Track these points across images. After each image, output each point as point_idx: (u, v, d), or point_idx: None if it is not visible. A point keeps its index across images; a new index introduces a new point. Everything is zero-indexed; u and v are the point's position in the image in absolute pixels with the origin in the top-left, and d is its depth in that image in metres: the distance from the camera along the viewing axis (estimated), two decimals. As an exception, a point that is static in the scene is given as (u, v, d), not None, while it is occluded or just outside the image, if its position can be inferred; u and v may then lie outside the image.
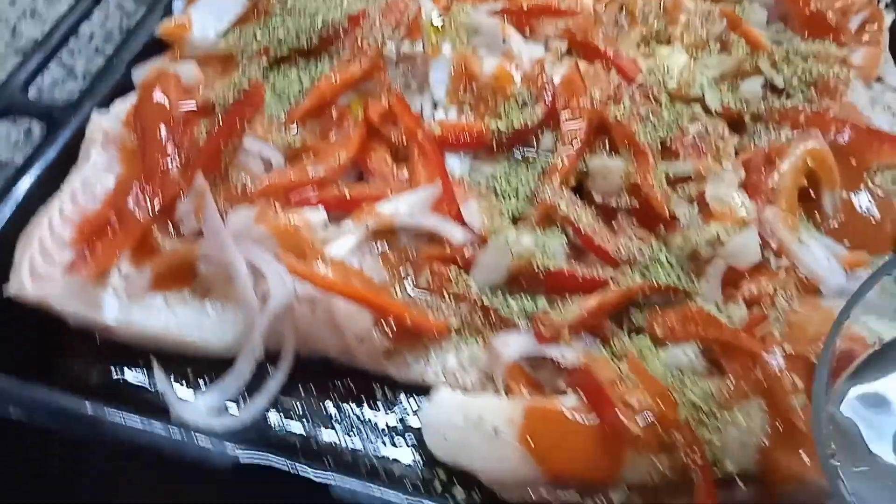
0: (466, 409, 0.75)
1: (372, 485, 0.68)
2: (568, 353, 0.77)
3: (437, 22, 0.99)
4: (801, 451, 0.71)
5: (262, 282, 0.79)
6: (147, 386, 0.81)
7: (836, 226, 0.87)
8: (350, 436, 0.78)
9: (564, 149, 0.88)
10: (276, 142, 0.88)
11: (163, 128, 0.84)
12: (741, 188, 0.86)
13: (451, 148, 0.90)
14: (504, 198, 0.88)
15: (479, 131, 0.89)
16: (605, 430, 0.72)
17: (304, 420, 0.79)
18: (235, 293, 0.79)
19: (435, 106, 0.96)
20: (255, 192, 0.82)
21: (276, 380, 0.80)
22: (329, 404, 0.81)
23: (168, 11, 1.07)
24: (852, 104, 0.92)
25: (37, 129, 1.03)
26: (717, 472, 0.72)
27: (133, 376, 0.81)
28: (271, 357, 0.81)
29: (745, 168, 0.88)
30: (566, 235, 0.85)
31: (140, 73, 0.97)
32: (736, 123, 0.94)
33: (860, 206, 0.87)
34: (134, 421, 0.70)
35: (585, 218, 0.84)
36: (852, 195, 0.88)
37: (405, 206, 0.83)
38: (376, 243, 0.84)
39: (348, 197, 0.84)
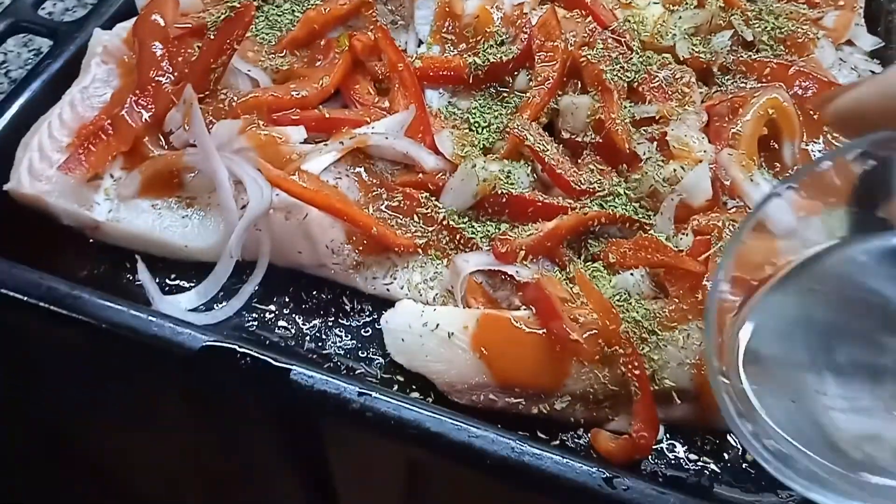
0: (426, 317, 0.80)
1: (329, 374, 0.73)
2: (523, 271, 0.82)
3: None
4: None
5: (243, 192, 0.84)
6: (130, 283, 0.86)
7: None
8: (316, 340, 0.84)
9: (537, 87, 0.93)
10: (265, 65, 0.93)
11: (158, 45, 0.90)
12: (702, 132, 0.91)
13: (430, 81, 0.95)
14: (476, 130, 0.92)
15: (456, 66, 0.94)
16: (551, 341, 0.77)
17: (275, 324, 0.85)
18: (217, 200, 0.85)
19: (419, 44, 1.01)
20: (239, 105, 0.87)
21: (252, 283, 0.85)
22: (299, 311, 0.86)
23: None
24: (818, 61, 0.96)
25: (46, 49, 1.09)
26: (655, 387, 0.77)
27: (117, 273, 0.87)
28: (248, 266, 0.86)
29: (708, 114, 0.93)
30: (532, 168, 0.90)
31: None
32: (704, 76, 0.99)
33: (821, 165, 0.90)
34: (114, 302, 0.76)
35: (551, 150, 0.89)
36: (810, 146, 0.93)
37: (381, 127, 0.88)
38: (353, 167, 0.90)
39: (328, 117, 0.89)
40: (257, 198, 0.82)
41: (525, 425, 0.77)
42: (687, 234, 0.82)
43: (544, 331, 0.77)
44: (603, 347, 0.76)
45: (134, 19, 0.97)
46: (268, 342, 0.83)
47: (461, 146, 0.90)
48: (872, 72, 1.02)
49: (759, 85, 0.95)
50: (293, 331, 0.84)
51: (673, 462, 0.77)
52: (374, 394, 0.72)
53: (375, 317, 0.85)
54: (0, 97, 0.96)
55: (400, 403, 0.71)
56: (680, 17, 1.00)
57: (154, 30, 0.91)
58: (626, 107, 0.91)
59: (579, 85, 0.95)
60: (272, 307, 0.86)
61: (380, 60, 0.96)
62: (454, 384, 0.78)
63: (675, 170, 0.86)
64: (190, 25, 0.92)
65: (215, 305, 0.84)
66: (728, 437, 0.79)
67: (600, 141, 0.90)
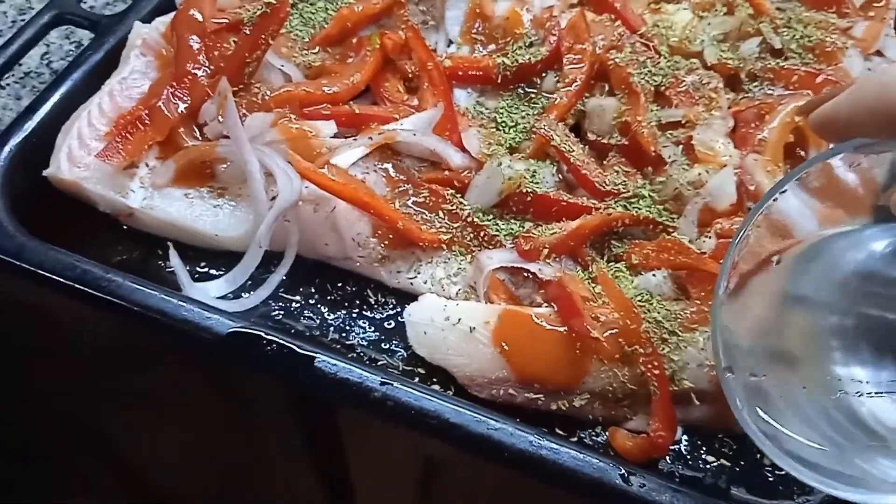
0: (448, 311, 0.81)
1: (353, 363, 0.75)
2: (546, 269, 0.83)
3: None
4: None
5: (274, 184, 0.86)
6: (161, 270, 0.88)
7: (818, 185, 0.91)
8: (340, 331, 0.85)
9: (564, 89, 0.94)
10: (298, 61, 0.96)
11: (195, 39, 0.92)
12: (728, 137, 0.91)
13: (459, 81, 0.97)
14: (503, 129, 0.94)
15: (485, 66, 0.96)
16: (572, 339, 0.77)
17: (300, 314, 0.86)
18: (248, 191, 0.87)
19: (449, 44, 1.03)
20: (272, 98, 0.89)
21: (279, 273, 0.87)
22: (324, 302, 0.87)
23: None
24: (846, 70, 0.96)
25: (86, 41, 1.12)
26: (674, 387, 0.77)
27: (149, 260, 0.89)
28: (276, 256, 0.88)
29: (735, 120, 0.93)
30: (558, 168, 0.91)
31: (181, -5, 1.05)
32: (732, 82, 0.99)
33: (837, 169, 0.91)
34: (146, 286, 0.78)
35: (577, 151, 0.90)
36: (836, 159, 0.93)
37: (409, 124, 0.89)
38: (382, 163, 0.91)
39: (358, 112, 0.90)
40: (287, 189, 0.84)
41: (544, 421, 0.78)
42: (710, 237, 0.82)
43: (565, 328, 0.78)
44: (623, 346, 0.77)
45: (173, 14, 0.99)
46: (293, 331, 0.84)
47: (488, 145, 0.91)
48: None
49: (787, 92, 0.95)
50: (318, 321, 0.86)
51: (690, 463, 0.78)
52: (395, 383, 0.73)
53: (399, 310, 0.86)
54: (42, 87, 0.99)
55: (421, 394, 0.72)
56: (709, 24, 1.01)
57: (192, 24, 0.93)
58: (652, 110, 0.92)
59: (606, 88, 0.96)
60: (298, 297, 0.87)
61: (410, 59, 0.98)
62: (474, 378, 0.79)
63: (699, 173, 0.87)
64: (227, 21, 0.94)
65: (243, 294, 0.86)
66: (746, 441, 0.79)
67: (626, 143, 0.91)
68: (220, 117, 0.88)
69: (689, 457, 0.78)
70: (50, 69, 1.14)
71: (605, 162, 0.92)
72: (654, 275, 0.82)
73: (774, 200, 0.59)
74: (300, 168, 0.83)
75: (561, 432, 0.79)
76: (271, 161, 0.85)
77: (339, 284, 0.89)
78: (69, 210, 0.90)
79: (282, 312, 0.86)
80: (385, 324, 0.86)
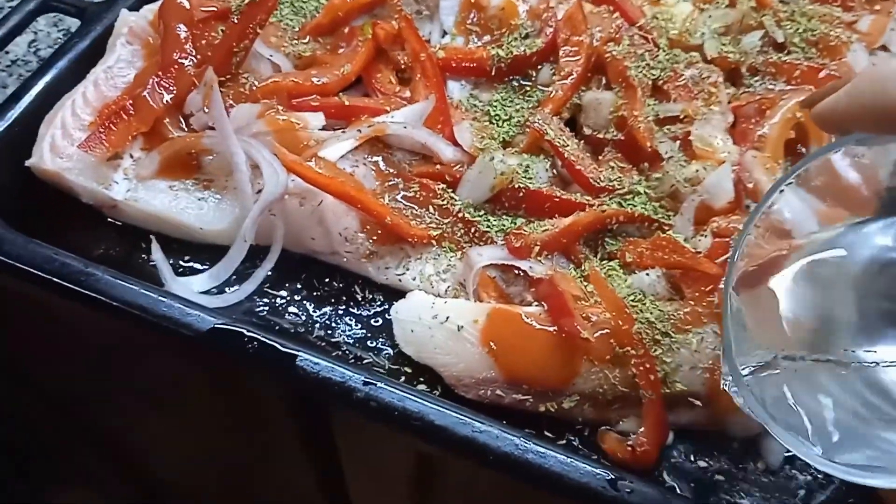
0: (436, 309, 0.79)
1: (335, 362, 0.73)
2: (537, 267, 0.81)
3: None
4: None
5: (260, 176, 0.84)
6: (145, 263, 0.86)
7: (819, 183, 0.89)
8: (326, 328, 0.83)
9: (560, 82, 0.92)
10: (288, 51, 0.93)
11: (182, 27, 0.90)
12: (727, 133, 0.89)
13: (453, 72, 0.95)
14: (497, 123, 0.91)
15: (479, 57, 0.93)
16: (562, 339, 0.75)
17: (285, 310, 0.84)
18: (233, 184, 0.85)
19: (443, 34, 1.00)
20: (259, 89, 0.87)
21: (264, 268, 0.85)
22: (311, 298, 0.85)
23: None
24: (850, 65, 0.94)
25: (75, 29, 1.10)
26: (666, 390, 0.75)
27: (133, 252, 0.87)
28: (262, 251, 0.86)
29: (735, 115, 0.91)
30: (552, 163, 0.89)
31: (170, -17, 1.03)
32: (733, 77, 0.97)
33: (840, 168, 0.88)
34: (126, 281, 0.76)
35: (571, 146, 0.88)
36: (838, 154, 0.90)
37: (400, 116, 0.87)
38: (371, 156, 0.89)
39: (347, 104, 0.88)
40: (273, 182, 0.82)
41: (532, 423, 0.76)
42: (706, 236, 0.80)
43: (555, 328, 0.76)
44: (614, 347, 0.75)
45: (160, 1, 0.97)
46: (278, 328, 0.82)
47: (480, 138, 0.89)
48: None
49: (789, 87, 0.93)
50: (303, 317, 0.84)
51: (681, 466, 0.76)
52: (379, 383, 0.71)
53: (386, 307, 0.84)
54: (27, 75, 0.98)
55: (405, 394, 0.70)
56: (710, 16, 0.98)
57: (179, 12, 0.91)
58: (649, 104, 0.90)
59: (603, 81, 0.94)
60: (284, 293, 0.85)
61: (403, 50, 0.96)
62: (461, 378, 0.77)
63: (697, 170, 0.85)
64: (215, 9, 0.92)
65: (227, 289, 0.84)
66: (738, 444, 0.77)
67: (622, 138, 0.88)
68: (205, 108, 0.86)
69: (679, 460, 0.77)
70: (38, 57, 1.12)
71: (600, 157, 0.90)
72: (647, 274, 0.80)
73: (781, 192, 0.57)
74: (286, 160, 0.81)
75: (549, 434, 0.77)
76: (257, 153, 0.83)
77: (327, 280, 0.87)
78: (53, 201, 0.88)
79: (267, 308, 0.84)
80: (372, 321, 0.84)
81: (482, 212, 0.87)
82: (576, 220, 0.82)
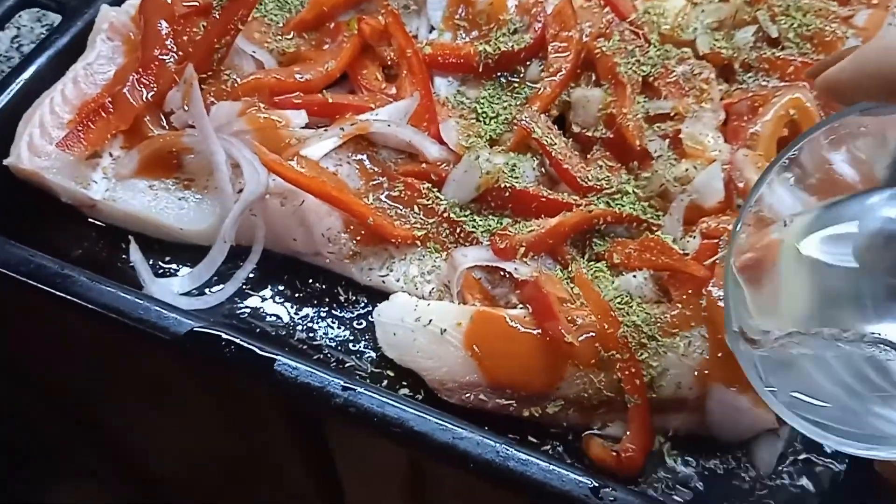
0: (419, 312, 0.77)
1: (314, 366, 0.72)
2: (522, 268, 0.79)
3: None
4: (737, 382, 0.72)
5: (241, 176, 0.83)
6: (125, 264, 0.85)
7: (814, 182, 0.87)
8: (308, 330, 0.82)
9: (549, 78, 0.90)
10: (272, 47, 0.92)
11: (163, 23, 0.88)
12: (718, 130, 0.87)
13: (440, 68, 0.93)
14: (484, 120, 0.90)
15: (466, 53, 0.92)
16: (546, 343, 0.74)
17: (267, 312, 0.83)
18: (214, 183, 0.83)
19: (431, 30, 0.99)
20: (240, 86, 0.86)
21: (245, 269, 0.84)
22: (292, 300, 0.84)
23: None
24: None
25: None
26: (652, 394, 0.74)
27: (113, 253, 0.86)
28: (245, 251, 0.85)
29: (727, 112, 0.89)
30: (539, 162, 0.87)
31: (153, -22, 1.01)
32: (725, 73, 0.94)
33: (836, 164, 0.86)
34: (103, 283, 0.75)
35: (559, 144, 0.86)
36: (832, 152, 0.88)
37: (384, 114, 0.85)
38: (356, 155, 0.87)
39: (331, 102, 0.87)
40: (253, 182, 0.80)
41: (516, 428, 0.75)
42: (695, 237, 0.78)
43: (539, 331, 0.75)
44: (599, 351, 0.73)
45: (143, -2, 0.96)
46: (258, 330, 0.81)
47: (466, 136, 0.87)
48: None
49: (782, 84, 0.91)
50: (285, 319, 0.82)
51: (667, 472, 0.74)
52: (358, 388, 0.70)
53: (370, 309, 0.83)
54: (7, 71, 0.96)
55: (384, 400, 0.69)
56: (703, 11, 0.96)
57: (160, 7, 0.90)
58: (639, 102, 0.88)
59: (593, 77, 0.92)
60: (265, 294, 0.84)
61: (389, 46, 0.94)
62: (444, 382, 0.76)
63: (687, 169, 0.83)
64: (196, 4, 0.91)
65: (208, 290, 0.83)
66: (727, 449, 0.76)
67: (611, 136, 0.87)
68: (185, 106, 0.84)
69: (666, 465, 0.75)
70: (20, 53, 1.11)
71: (588, 156, 0.88)
72: (635, 276, 0.78)
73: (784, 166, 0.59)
74: (265, 160, 0.79)
75: (534, 440, 0.75)
76: (238, 152, 0.82)
77: (309, 281, 0.85)
78: (32, 200, 0.87)
79: (248, 310, 0.83)
80: (355, 323, 0.83)
81: (468, 212, 0.85)
82: (562, 221, 0.81)
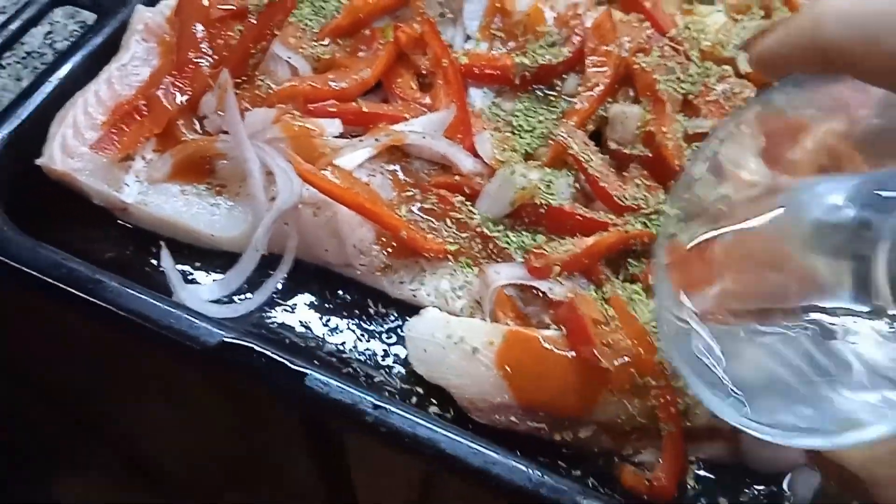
0: (451, 328, 0.76)
1: (345, 382, 0.71)
2: (556, 288, 0.78)
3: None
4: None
5: (274, 183, 0.82)
6: (155, 268, 0.84)
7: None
8: (337, 342, 0.81)
9: (586, 93, 0.88)
10: (307, 53, 0.91)
11: (199, 26, 0.88)
12: (758, 155, 0.85)
13: (475, 79, 0.91)
14: (519, 134, 0.88)
15: (503, 65, 0.90)
16: (581, 366, 0.73)
17: (296, 322, 0.82)
18: (247, 190, 0.83)
19: (467, 39, 0.97)
20: (276, 93, 0.85)
21: (275, 278, 0.83)
22: (323, 311, 0.83)
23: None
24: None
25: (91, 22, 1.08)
26: (687, 423, 0.73)
27: (143, 257, 0.85)
28: (276, 259, 0.84)
29: (765, 136, 0.87)
30: (575, 178, 0.86)
31: (189, -22, 1.00)
32: (767, 92, 0.93)
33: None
34: (134, 290, 0.74)
35: (596, 161, 0.84)
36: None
37: (419, 125, 0.84)
38: (389, 165, 0.86)
39: (365, 111, 0.86)
40: (287, 191, 0.79)
41: (547, 450, 0.74)
42: (734, 262, 0.77)
43: (574, 354, 0.73)
44: (634, 377, 0.72)
45: (178, -1, 0.95)
46: (288, 341, 0.80)
47: (502, 150, 0.86)
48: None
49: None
50: (315, 331, 0.82)
51: (702, 501, 0.73)
52: (390, 407, 0.69)
53: (400, 323, 0.82)
54: (44, 68, 0.95)
55: (416, 420, 0.68)
56: (744, 27, 0.94)
57: (197, 10, 0.89)
58: (679, 120, 0.86)
59: (631, 93, 0.90)
60: (295, 304, 0.83)
61: (424, 54, 0.93)
62: (475, 402, 0.75)
63: (726, 192, 0.81)
64: (233, 7, 0.90)
65: (237, 298, 0.82)
66: (763, 480, 0.75)
67: (649, 155, 0.85)
68: (219, 111, 0.84)
69: (699, 495, 0.74)
70: (53, 50, 1.10)
71: (625, 174, 0.86)
72: (671, 300, 0.76)
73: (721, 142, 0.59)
74: (300, 169, 0.78)
75: (563, 463, 0.74)
76: (272, 161, 0.81)
77: (340, 292, 0.84)
78: (63, 201, 0.86)
79: (277, 320, 0.82)
80: (384, 336, 0.82)
81: (501, 227, 0.84)
82: (598, 241, 0.79)
